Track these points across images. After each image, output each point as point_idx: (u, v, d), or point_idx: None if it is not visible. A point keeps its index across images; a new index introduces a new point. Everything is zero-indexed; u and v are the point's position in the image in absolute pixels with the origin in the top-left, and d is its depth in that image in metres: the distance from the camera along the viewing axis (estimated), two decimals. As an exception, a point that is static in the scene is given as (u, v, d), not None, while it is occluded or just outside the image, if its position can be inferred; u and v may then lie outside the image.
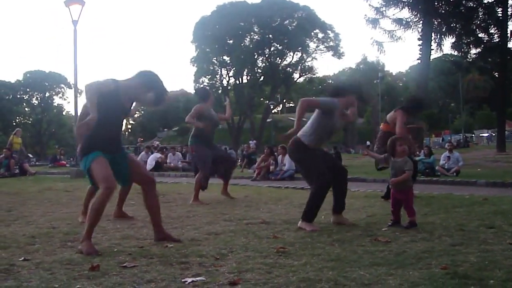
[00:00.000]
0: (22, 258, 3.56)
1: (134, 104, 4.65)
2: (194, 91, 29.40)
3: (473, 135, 55.14)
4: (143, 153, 19.96)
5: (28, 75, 67.73)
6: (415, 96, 8.47)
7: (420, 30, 23.42)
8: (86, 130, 4.15)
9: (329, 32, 52.79)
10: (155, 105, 4.64)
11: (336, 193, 5.24)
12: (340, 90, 5.33)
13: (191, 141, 7.65)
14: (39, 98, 68.81)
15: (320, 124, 5.09)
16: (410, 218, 4.90)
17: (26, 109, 70.52)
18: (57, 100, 70.34)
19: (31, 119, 69.82)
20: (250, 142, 37.23)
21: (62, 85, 68.19)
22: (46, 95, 68.30)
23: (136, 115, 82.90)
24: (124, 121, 5.24)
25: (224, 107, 8.49)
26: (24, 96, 68.92)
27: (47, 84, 67.18)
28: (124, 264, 3.38)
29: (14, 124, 61.52)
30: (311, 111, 5.26)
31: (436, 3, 23.40)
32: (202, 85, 50.76)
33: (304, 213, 4.96)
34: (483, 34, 24.11)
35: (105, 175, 4.02)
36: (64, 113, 73.30)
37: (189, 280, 3.00)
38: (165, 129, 79.33)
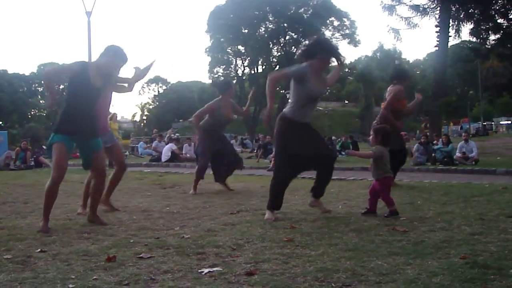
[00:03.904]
0: (39, 250, 3.59)
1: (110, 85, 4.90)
2: (212, 83, 29.38)
3: (493, 123, 54.47)
4: (156, 141, 20.02)
5: (42, 67, 68.34)
6: (395, 67, 8.50)
7: (437, 16, 23.09)
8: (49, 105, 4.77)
9: (344, 19, 52.36)
10: (132, 82, 4.99)
11: (317, 179, 5.15)
12: (308, 52, 4.99)
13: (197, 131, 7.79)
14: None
15: (297, 93, 4.90)
16: (389, 208, 4.90)
17: (41, 101, 71.23)
18: (71, 92, 71.00)
19: (46, 111, 70.54)
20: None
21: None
22: (61, 87, 68.97)
23: (150, 107, 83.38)
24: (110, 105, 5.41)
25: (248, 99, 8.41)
26: (38, 88, 69.61)
27: (61, 76, 67.69)
28: (141, 255, 3.38)
29: (29, 116, 62.26)
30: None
31: (453, -11, 23.05)
32: (217, 76, 50.91)
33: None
34: (502, 19, 23.65)
35: (58, 163, 4.43)
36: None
37: (206, 270, 2.98)
38: (180, 120, 79.61)
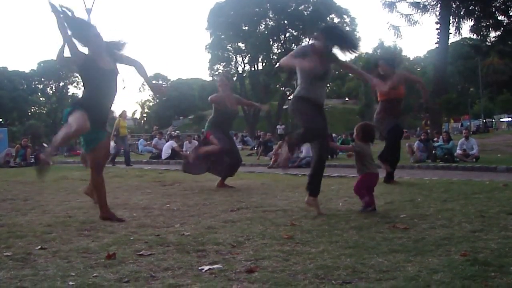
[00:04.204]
0: (39, 247, 3.58)
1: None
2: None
3: (493, 120, 54.40)
4: (156, 138, 20.02)
5: (42, 64, 68.27)
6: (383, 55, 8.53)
7: (438, 13, 23.05)
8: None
9: (345, 16, 52.23)
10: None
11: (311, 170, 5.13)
12: (316, 34, 5.12)
13: (208, 125, 7.71)
14: (53, 88, 69.41)
15: (301, 71, 4.94)
16: (363, 201, 5.04)
17: (41, 98, 71.20)
18: (72, 89, 71.06)
19: (46, 108, 70.51)
20: (278, 127, 37.14)
21: (77, 75, 68.79)
22: (61, 85, 68.96)
23: (151, 104, 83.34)
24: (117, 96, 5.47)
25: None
26: (39, 85, 69.58)
27: (61, 73, 67.71)
28: (141, 252, 3.38)
29: (30, 114, 62.19)
30: None
31: (454, -14, 23.02)
32: (217, 73, 50.85)
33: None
34: (503, 16, 23.63)
35: (78, 117, 4.42)
36: (79, 102, 74.06)
37: (206, 268, 2.98)
38: (181, 117, 79.66)
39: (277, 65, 6.29)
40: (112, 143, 24.26)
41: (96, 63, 4.64)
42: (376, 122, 7.53)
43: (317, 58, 4.89)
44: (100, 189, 4.87)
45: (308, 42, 5.00)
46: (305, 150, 14.05)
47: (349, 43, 5.01)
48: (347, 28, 51.67)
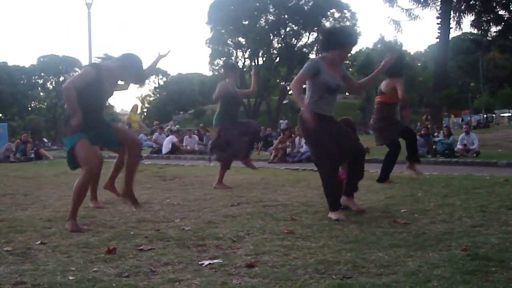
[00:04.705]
0: (39, 242, 3.58)
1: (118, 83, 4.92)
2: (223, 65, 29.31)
3: (494, 115, 54.34)
4: (156, 133, 20.01)
5: (42, 59, 68.17)
6: (396, 61, 8.36)
7: (438, 8, 22.96)
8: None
9: (345, 11, 52.16)
10: (136, 83, 5.12)
11: (347, 174, 4.92)
12: (323, 46, 4.91)
13: (217, 118, 7.22)
14: (53, 83, 69.37)
15: (312, 85, 4.76)
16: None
17: (41, 93, 71.10)
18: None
19: (46, 103, 70.41)
20: (281, 121, 37.08)
21: (77, 69, 68.53)
22: (61, 79, 68.90)
23: (151, 99, 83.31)
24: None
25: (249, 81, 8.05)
26: (38, 80, 69.50)
27: (61, 68, 67.60)
28: (141, 247, 3.38)
29: (30, 109, 62.10)
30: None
31: (454, -20, 22.94)
32: (218, 68, 50.85)
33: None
34: (504, 11, 23.54)
35: (87, 155, 4.29)
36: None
37: (206, 262, 2.98)
38: (181, 112, 79.61)
39: (292, 87, 6.06)
40: None
41: (102, 81, 4.52)
42: (380, 129, 7.49)
43: (332, 70, 4.74)
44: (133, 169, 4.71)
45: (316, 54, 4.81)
46: (305, 145, 14.04)
47: (354, 43, 4.94)
48: (347, 23, 51.67)
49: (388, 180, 7.18)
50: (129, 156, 4.67)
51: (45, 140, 30.18)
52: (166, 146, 17.49)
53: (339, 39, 4.75)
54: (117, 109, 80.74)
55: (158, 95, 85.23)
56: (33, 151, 16.72)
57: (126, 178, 4.66)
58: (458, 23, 23.71)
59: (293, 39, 53.96)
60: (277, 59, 54.74)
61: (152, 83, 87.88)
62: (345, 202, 4.88)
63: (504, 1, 23.32)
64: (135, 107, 15.85)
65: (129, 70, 4.68)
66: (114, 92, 5.12)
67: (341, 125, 4.97)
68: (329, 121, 4.74)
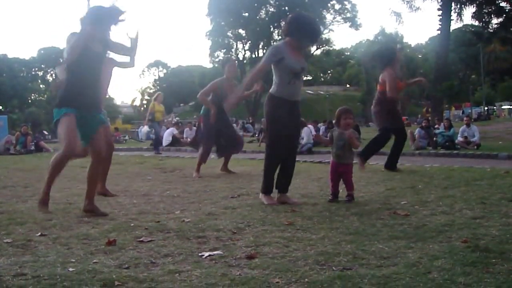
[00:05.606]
0: (39, 234, 3.57)
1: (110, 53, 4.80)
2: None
3: (495, 107, 54.27)
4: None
5: (42, 51, 67.98)
6: (380, 52, 8.42)
7: (439, -1, 22.91)
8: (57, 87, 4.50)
9: (345, 3, 52.05)
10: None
11: (281, 170, 5.04)
12: (285, 31, 5.01)
13: (203, 112, 7.77)
14: (54, 75, 69.19)
15: (278, 70, 4.82)
16: (349, 192, 4.93)
17: (41, 85, 70.95)
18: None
19: (46, 95, 70.28)
20: None
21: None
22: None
23: (151, 91, 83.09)
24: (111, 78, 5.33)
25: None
26: (39, 72, 69.36)
27: (61, 60, 67.33)
28: (141, 239, 3.37)
29: (30, 101, 61.95)
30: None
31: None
32: (218, 60, 50.72)
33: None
34: (505, 3, 23.48)
35: (69, 138, 4.25)
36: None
37: (206, 254, 2.98)
38: (181, 104, 79.50)
39: (252, 74, 6.11)
40: (146, 128, 23.41)
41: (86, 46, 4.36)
42: (382, 114, 7.52)
43: (295, 55, 4.84)
44: (95, 180, 4.58)
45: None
46: (306, 136, 14.03)
47: (318, 35, 5.01)
48: (348, 15, 51.42)
49: (396, 169, 7.31)
50: (90, 166, 4.51)
51: (45, 132, 30.09)
52: (166, 139, 17.49)
53: (299, 30, 4.83)
54: (117, 102, 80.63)
55: (158, 87, 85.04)
56: (33, 144, 16.71)
57: (88, 191, 4.46)
58: (459, 15, 23.69)
59: (294, 31, 53.73)
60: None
61: (152, 75, 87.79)
62: (280, 198, 4.93)
63: (506, -7, 23.25)
64: (159, 97, 14.41)
65: (103, 20, 4.44)
66: (117, 69, 5.07)
67: (298, 116, 5.04)
68: (290, 105, 4.86)
